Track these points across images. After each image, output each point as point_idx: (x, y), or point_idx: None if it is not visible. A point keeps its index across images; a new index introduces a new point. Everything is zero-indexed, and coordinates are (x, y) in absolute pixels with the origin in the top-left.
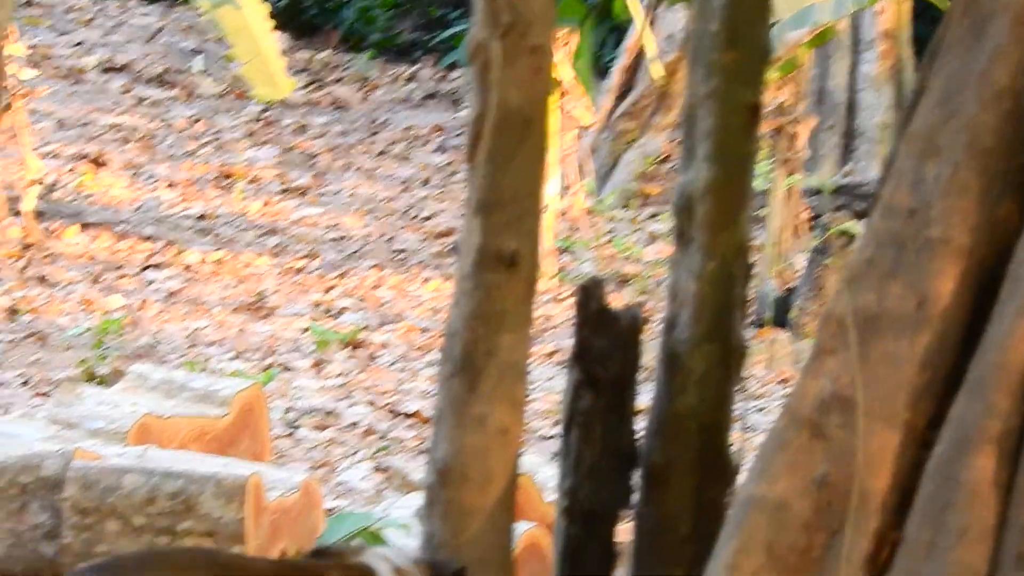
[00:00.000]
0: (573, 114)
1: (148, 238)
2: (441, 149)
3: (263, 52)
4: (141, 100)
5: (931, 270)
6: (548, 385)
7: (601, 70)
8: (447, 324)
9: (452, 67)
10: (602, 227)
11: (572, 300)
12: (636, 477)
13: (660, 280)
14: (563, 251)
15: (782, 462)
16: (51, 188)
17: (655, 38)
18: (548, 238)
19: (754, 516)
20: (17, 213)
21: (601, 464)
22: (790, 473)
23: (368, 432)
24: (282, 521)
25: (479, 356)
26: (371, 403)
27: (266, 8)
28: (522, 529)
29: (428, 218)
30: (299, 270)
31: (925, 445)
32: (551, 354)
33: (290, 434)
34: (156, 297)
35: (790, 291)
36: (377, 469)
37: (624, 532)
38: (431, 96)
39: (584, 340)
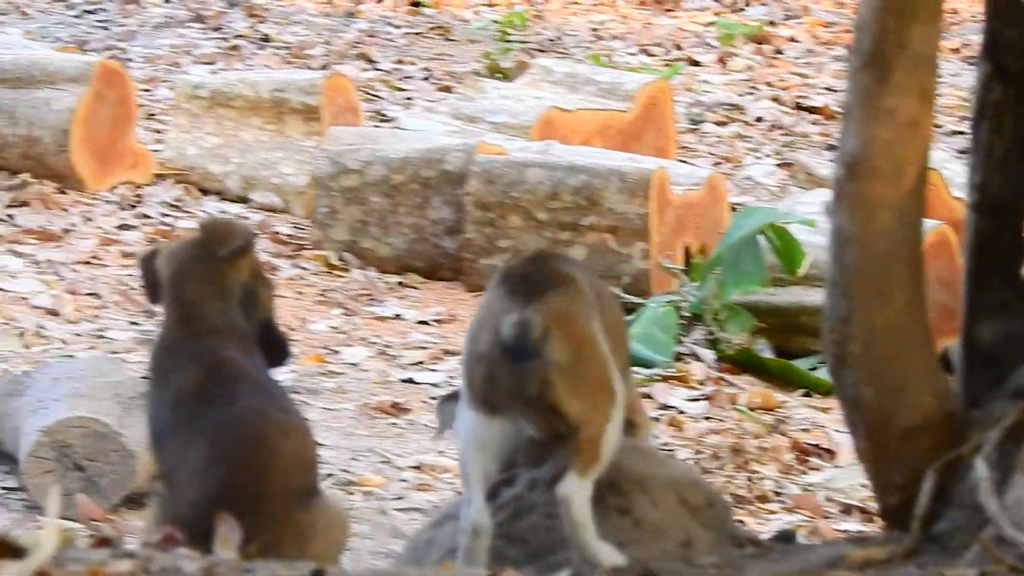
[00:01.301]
0: None
1: None
2: None
3: None
4: None
5: None
6: (954, 80)
7: None
8: (856, 16)
9: None
10: None
11: None
12: None
13: None
14: None
15: None
16: None
17: None
18: None
19: None
20: None
21: (1012, 156)
22: None
23: (773, 127)
24: (686, 216)
25: (889, 48)
26: (776, 98)
27: None
28: (930, 224)
29: None
30: None
31: None
32: (956, 49)
33: (695, 128)
34: None
35: None
36: (781, 164)
37: None
38: None
39: (995, 31)
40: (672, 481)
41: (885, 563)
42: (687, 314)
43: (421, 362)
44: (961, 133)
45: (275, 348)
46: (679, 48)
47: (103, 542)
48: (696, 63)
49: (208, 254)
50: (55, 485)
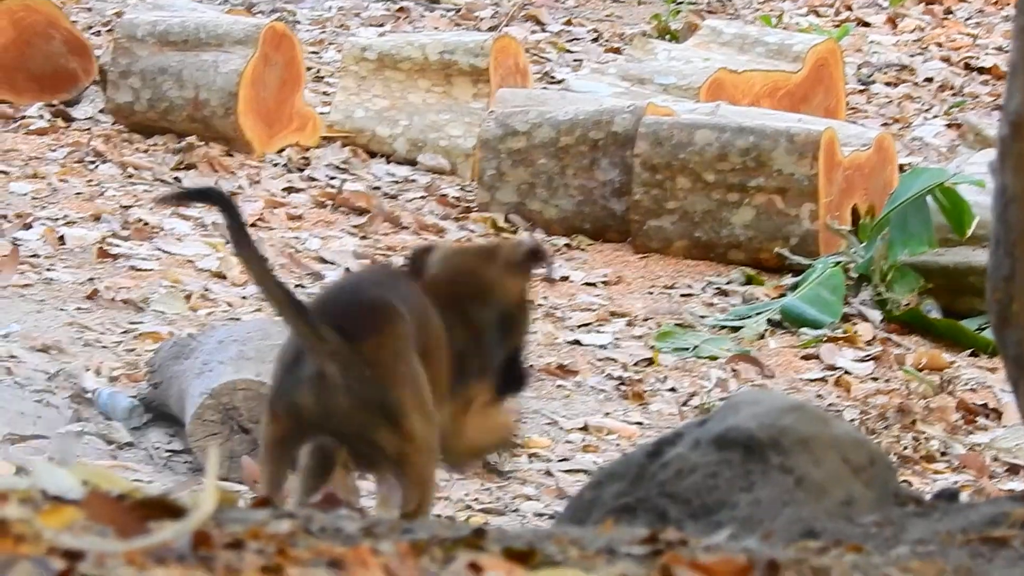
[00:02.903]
0: None
1: None
2: None
3: None
4: None
5: None
6: None
7: None
8: None
9: None
10: None
11: None
12: None
13: None
14: None
15: None
16: None
17: None
18: None
19: None
20: None
21: None
22: None
23: (943, 87)
24: (855, 177)
25: None
26: (946, 58)
27: None
28: None
29: None
30: None
31: None
32: None
33: (864, 89)
34: None
35: None
36: (951, 125)
37: None
38: None
39: None
40: (835, 440)
41: None
42: (855, 275)
43: (588, 324)
44: None
45: (514, 379)
46: (849, 9)
47: (263, 502)
48: (866, 24)
49: (490, 261)
50: (216, 446)
